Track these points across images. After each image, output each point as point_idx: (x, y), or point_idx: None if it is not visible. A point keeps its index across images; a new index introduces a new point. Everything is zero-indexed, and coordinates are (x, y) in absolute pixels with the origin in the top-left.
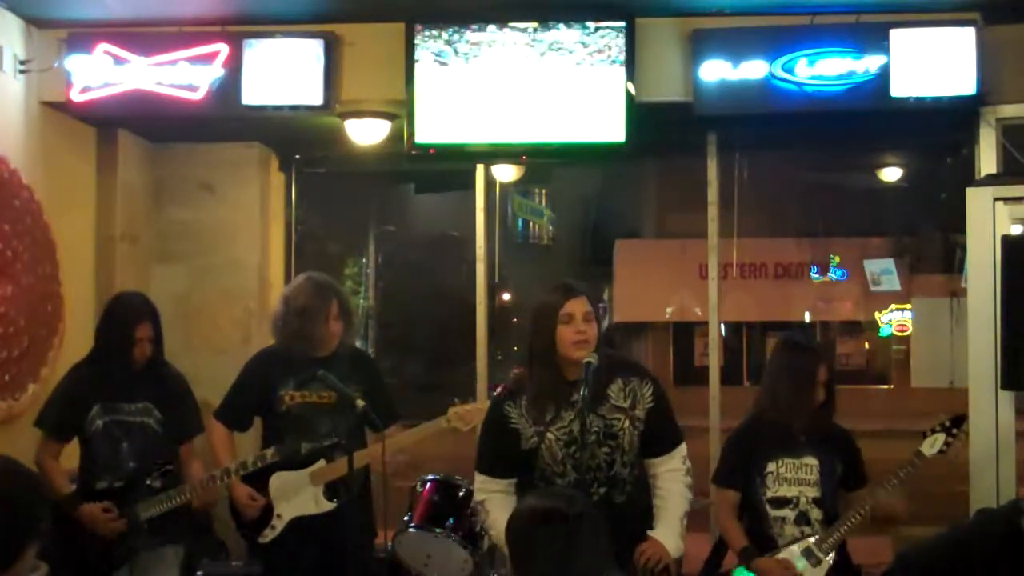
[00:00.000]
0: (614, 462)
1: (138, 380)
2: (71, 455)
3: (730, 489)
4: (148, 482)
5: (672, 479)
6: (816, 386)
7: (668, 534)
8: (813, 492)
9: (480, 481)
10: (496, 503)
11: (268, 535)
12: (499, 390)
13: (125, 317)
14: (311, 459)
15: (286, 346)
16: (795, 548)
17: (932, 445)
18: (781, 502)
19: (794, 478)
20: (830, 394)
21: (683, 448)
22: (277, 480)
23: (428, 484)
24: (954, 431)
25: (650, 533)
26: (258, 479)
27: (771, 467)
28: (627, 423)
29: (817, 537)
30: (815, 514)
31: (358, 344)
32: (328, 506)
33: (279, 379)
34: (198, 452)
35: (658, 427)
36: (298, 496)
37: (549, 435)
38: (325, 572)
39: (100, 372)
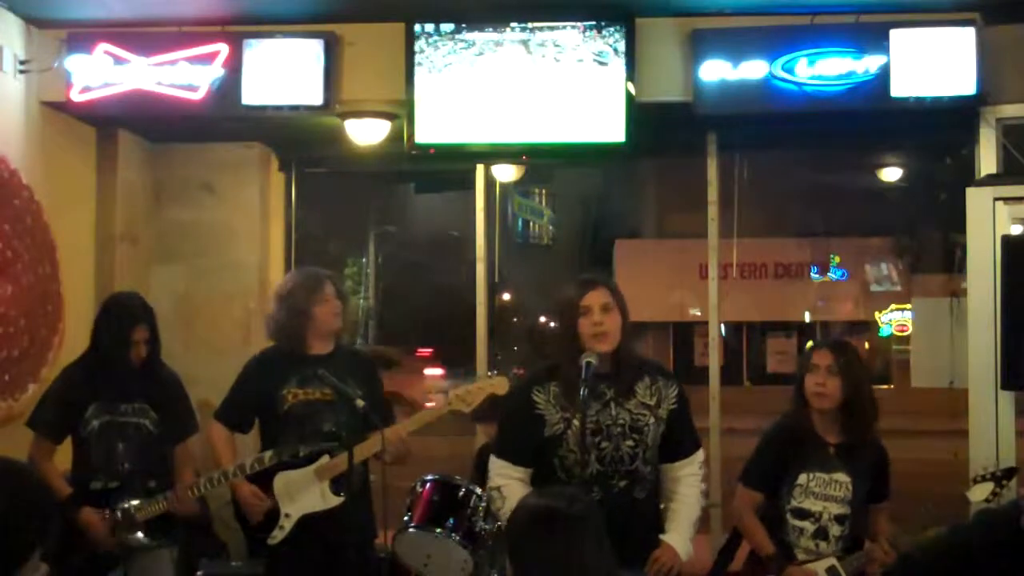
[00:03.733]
0: (637, 456)
1: (134, 380)
2: (61, 454)
3: (757, 491)
4: (145, 484)
5: (691, 484)
6: (815, 371)
7: (681, 539)
8: (838, 509)
9: (499, 466)
10: (514, 490)
11: (278, 536)
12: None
13: (121, 319)
14: (313, 456)
15: (284, 335)
16: (820, 564)
17: (980, 493)
18: (803, 514)
19: (821, 493)
20: (856, 395)
21: (701, 454)
22: (281, 480)
23: (428, 484)
24: (1004, 482)
25: (664, 538)
26: (260, 480)
27: (801, 479)
28: (652, 419)
29: (845, 559)
30: (835, 530)
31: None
32: (336, 501)
33: (281, 378)
34: (193, 454)
35: (679, 430)
36: (304, 494)
37: (576, 423)
38: (330, 570)
39: (96, 372)
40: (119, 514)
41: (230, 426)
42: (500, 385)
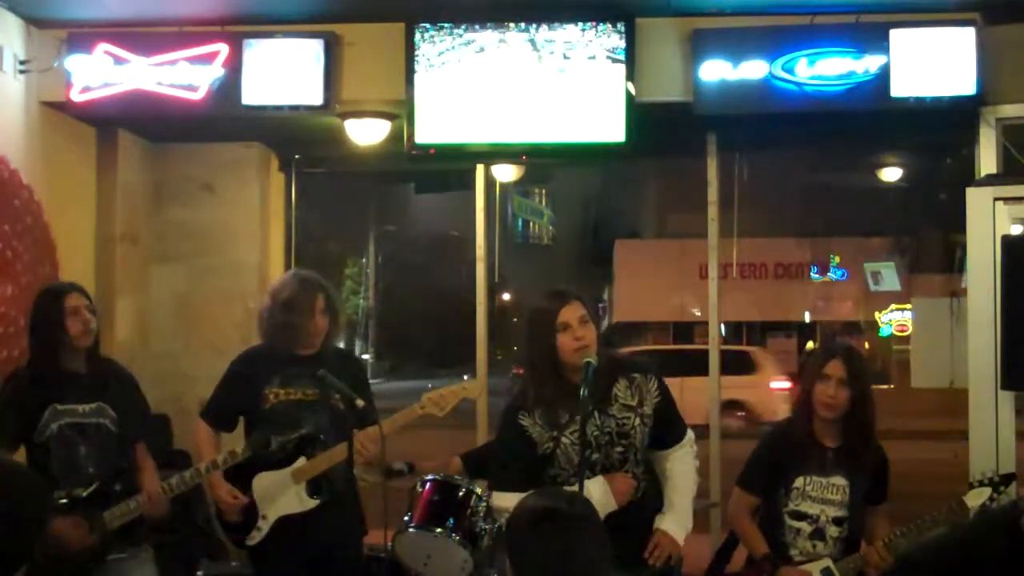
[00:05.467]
0: (627, 460)
1: (88, 380)
2: None
3: (753, 495)
4: (111, 487)
5: (683, 460)
6: (827, 382)
7: (676, 522)
8: (835, 512)
9: (508, 498)
10: None
11: (255, 537)
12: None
13: (51, 295)
14: (291, 457)
15: (271, 340)
16: (815, 566)
17: (977, 497)
18: (800, 516)
19: (819, 497)
20: (861, 404)
21: (690, 435)
22: (259, 481)
23: (428, 484)
24: (1001, 488)
25: (660, 525)
26: (239, 481)
27: (798, 482)
28: (637, 421)
29: (840, 561)
30: (832, 531)
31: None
32: (311, 504)
33: (264, 377)
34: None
35: (666, 420)
36: (281, 495)
37: (564, 440)
38: (313, 571)
39: (46, 374)
40: (91, 523)
41: (215, 425)
42: (472, 389)
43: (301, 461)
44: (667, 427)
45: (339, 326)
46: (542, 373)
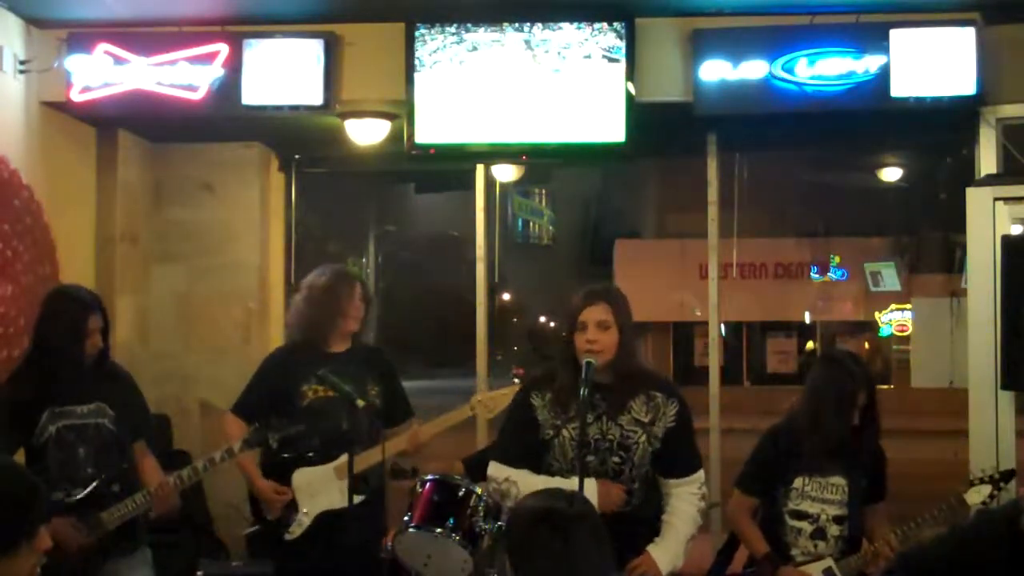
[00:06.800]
0: (622, 472)
1: (86, 379)
2: None
3: (751, 496)
4: (108, 488)
5: (687, 501)
6: (854, 409)
7: (665, 552)
8: (835, 511)
9: (499, 468)
10: (524, 476)
11: (295, 531)
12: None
13: (75, 309)
14: (329, 454)
15: (308, 329)
16: (817, 566)
17: (977, 495)
18: (801, 515)
19: (818, 496)
20: (871, 418)
21: (701, 475)
22: (300, 477)
23: (428, 484)
24: (1002, 484)
25: (648, 548)
26: (277, 478)
27: (797, 483)
28: (643, 437)
29: (841, 561)
30: (833, 531)
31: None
32: (356, 498)
33: (301, 375)
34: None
35: (677, 449)
36: (324, 491)
37: (564, 432)
38: (343, 567)
39: (44, 375)
40: (88, 524)
41: (246, 420)
42: None
43: (344, 458)
44: (675, 456)
45: (370, 317)
46: (562, 362)
